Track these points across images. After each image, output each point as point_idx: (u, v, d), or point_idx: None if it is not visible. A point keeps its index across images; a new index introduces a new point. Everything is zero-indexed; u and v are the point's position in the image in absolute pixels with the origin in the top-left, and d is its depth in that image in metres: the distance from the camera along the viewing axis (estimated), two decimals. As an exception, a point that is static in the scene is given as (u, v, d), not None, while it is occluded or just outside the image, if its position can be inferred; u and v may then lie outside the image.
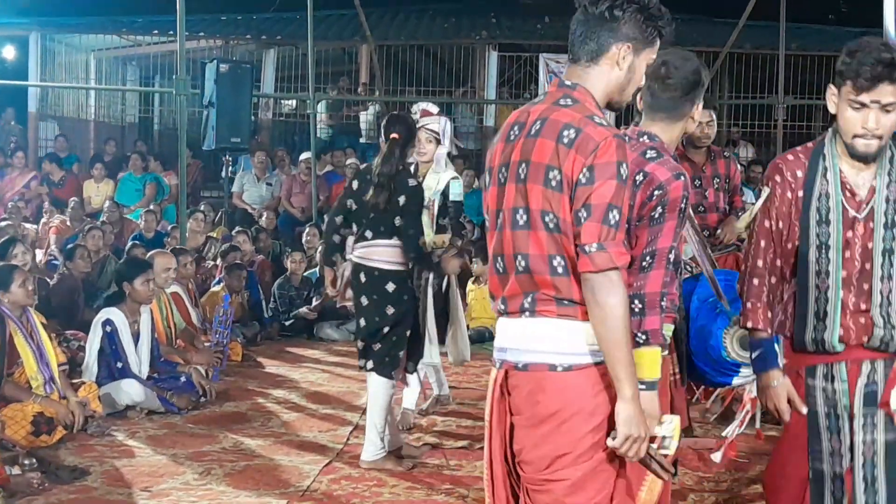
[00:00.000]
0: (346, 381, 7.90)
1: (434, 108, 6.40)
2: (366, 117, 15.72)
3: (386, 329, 5.51)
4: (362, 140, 15.72)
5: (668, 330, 3.28)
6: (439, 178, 6.26)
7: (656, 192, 3.00)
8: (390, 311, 5.49)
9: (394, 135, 5.55)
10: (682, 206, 3.03)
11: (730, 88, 16.72)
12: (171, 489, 5.16)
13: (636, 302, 2.90)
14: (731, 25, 13.94)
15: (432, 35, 16.81)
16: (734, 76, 16.40)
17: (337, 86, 16.09)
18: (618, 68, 2.75)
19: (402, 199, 5.43)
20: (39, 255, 9.89)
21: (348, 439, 6.16)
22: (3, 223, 10.44)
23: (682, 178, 3.07)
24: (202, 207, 11.87)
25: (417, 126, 6.09)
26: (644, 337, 2.88)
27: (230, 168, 13.20)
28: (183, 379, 6.94)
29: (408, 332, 5.58)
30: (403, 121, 5.75)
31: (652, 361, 2.89)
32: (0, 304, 6.01)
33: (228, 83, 10.26)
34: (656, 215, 2.99)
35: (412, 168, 6.06)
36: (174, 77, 9.90)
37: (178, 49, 9.78)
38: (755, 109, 15.27)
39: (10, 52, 17.27)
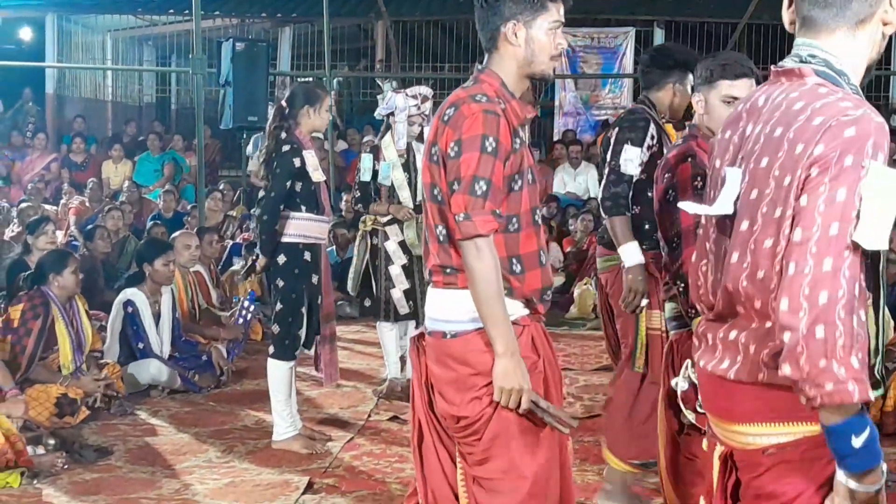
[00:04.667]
0: (365, 358, 7.92)
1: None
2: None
3: (279, 306, 5.39)
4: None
5: None
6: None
7: (666, 176, 3.15)
8: (280, 283, 5.38)
9: (283, 103, 5.50)
10: (697, 185, 3.20)
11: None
12: (194, 467, 5.19)
13: (679, 283, 3.11)
14: (749, -4, 13.79)
15: (447, 10, 16.70)
16: (753, 48, 16.27)
17: (354, 65, 16.04)
18: (514, 46, 2.88)
19: (275, 164, 5.33)
20: (60, 235, 9.93)
21: (370, 416, 6.18)
22: (24, 204, 10.50)
23: (691, 159, 3.27)
24: (221, 186, 11.88)
25: (418, 111, 6.39)
26: (695, 311, 3.16)
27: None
28: (204, 358, 6.97)
29: (303, 309, 5.42)
30: (294, 89, 5.60)
31: None
32: (48, 288, 6.05)
33: (244, 62, 10.24)
34: (670, 198, 3.15)
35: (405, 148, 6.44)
36: (190, 56, 9.87)
37: (193, 28, 9.75)
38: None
39: (26, 34, 17.29)
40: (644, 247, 4.46)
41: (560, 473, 2.91)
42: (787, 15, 2.25)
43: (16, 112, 15.30)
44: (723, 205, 2.21)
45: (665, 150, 4.41)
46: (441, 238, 2.85)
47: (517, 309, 2.84)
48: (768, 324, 2.10)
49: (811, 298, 1.94)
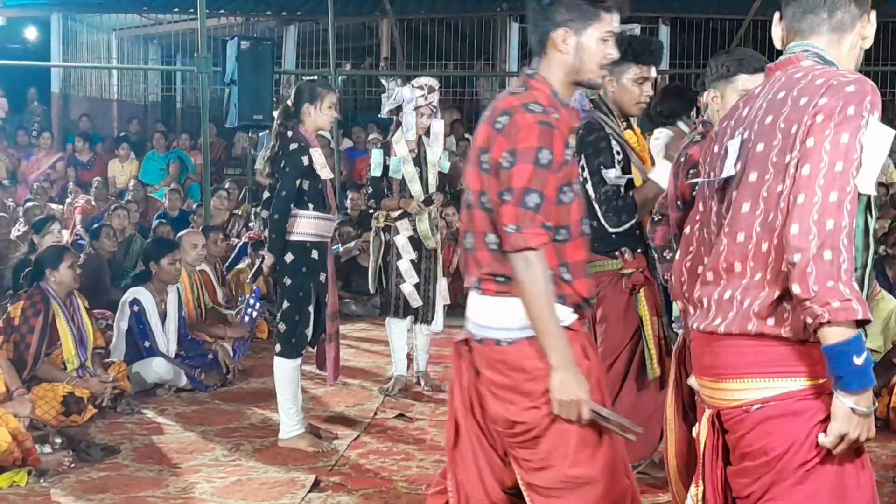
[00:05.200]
0: (371, 356, 7.92)
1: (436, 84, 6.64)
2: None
3: (286, 305, 5.36)
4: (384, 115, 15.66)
5: None
6: (434, 152, 6.60)
7: (691, 172, 3.12)
8: (287, 282, 5.35)
9: (288, 102, 5.48)
10: None
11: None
12: (201, 465, 5.19)
13: None
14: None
15: (452, 7, 16.68)
16: (759, 45, 16.24)
17: (359, 63, 16.02)
18: (563, 53, 2.84)
19: (283, 163, 5.31)
20: (65, 235, 9.94)
21: (376, 413, 6.18)
22: (30, 203, 10.51)
23: None
24: (226, 185, 11.88)
25: (426, 101, 6.40)
26: None
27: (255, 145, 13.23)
28: (210, 357, 6.98)
29: (310, 307, 5.39)
30: (299, 87, 5.56)
31: None
32: (47, 284, 6.06)
33: (249, 60, 10.21)
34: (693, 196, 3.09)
35: (415, 142, 6.50)
36: (195, 55, 9.89)
37: (198, 27, 9.77)
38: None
39: (32, 33, 17.29)
40: (640, 251, 4.45)
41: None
42: (777, 31, 2.48)
43: (22, 113, 15.32)
44: (727, 170, 2.44)
45: (631, 162, 4.39)
46: (493, 247, 2.81)
47: (568, 315, 2.82)
48: (758, 275, 2.31)
49: (819, 224, 2.16)
